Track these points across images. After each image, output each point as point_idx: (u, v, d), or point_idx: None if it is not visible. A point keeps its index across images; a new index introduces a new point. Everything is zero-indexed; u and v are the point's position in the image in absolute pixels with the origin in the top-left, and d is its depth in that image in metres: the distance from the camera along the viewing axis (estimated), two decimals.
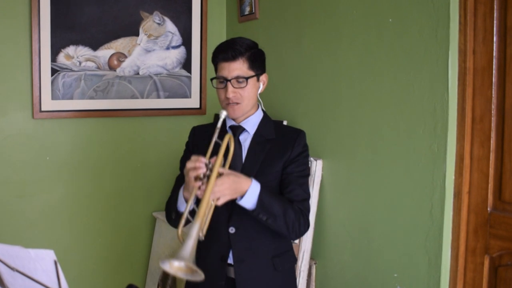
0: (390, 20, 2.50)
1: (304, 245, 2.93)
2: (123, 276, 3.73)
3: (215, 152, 2.10)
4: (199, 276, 1.73)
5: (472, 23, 2.21)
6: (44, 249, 1.65)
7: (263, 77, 2.35)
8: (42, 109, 3.40)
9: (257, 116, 2.37)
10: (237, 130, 2.33)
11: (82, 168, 3.57)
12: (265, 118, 2.40)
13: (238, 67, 2.23)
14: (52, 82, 3.41)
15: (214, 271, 2.31)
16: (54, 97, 3.43)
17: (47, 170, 3.48)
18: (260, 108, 2.40)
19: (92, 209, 3.62)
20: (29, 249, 1.65)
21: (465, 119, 2.24)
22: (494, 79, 2.16)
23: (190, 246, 1.79)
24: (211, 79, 2.35)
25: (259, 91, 2.34)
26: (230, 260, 2.31)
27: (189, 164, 2.07)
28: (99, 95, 3.54)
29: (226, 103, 2.26)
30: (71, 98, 3.47)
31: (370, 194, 2.66)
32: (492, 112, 2.18)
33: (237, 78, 2.23)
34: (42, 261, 1.65)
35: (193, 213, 2.00)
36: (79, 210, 3.59)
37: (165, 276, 3.45)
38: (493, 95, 2.17)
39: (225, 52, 2.24)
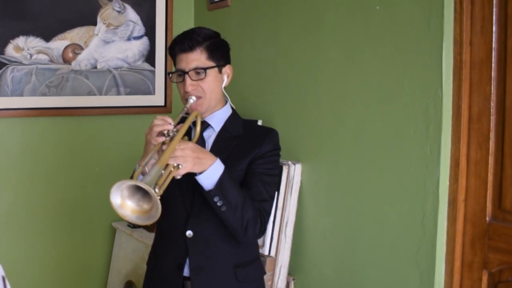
0: (378, 7, 2.50)
1: (281, 258, 2.91)
2: None
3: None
4: (155, 212, 1.84)
5: (469, 11, 2.21)
6: None
7: (227, 69, 2.36)
8: None
9: (224, 112, 2.38)
10: (201, 125, 2.34)
11: (33, 173, 3.55)
12: (234, 115, 2.42)
13: (196, 58, 2.26)
14: (0, 77, 3.36)
15: (169, 280, 2.31)
16: (1, 93, 3.40)
17: None
18: (228, 104, 2.42)
19: (45, 219, 3.60)
20: None
21: (461, 118, 2.24)
22: (493, 74, 2.17)
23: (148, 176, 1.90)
24: (169, 74, 2.39)
25: (224, 85, 2.36)
26: (187, 270, 2.30)
27: (155, 121, 2.13)
28: (52, 91, 3.52)
29: (186, 98, 2.29)
30: (21, 94, 3.45)
31: (355, 202, 2.65)
32: (491, 110, 2.18)
33: (195, 69, 2.25)
34: None
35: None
36: (30, 220, 3.56)
37: None
38: (492, 92, 2.18)
39: (181, 43, 2.28)
